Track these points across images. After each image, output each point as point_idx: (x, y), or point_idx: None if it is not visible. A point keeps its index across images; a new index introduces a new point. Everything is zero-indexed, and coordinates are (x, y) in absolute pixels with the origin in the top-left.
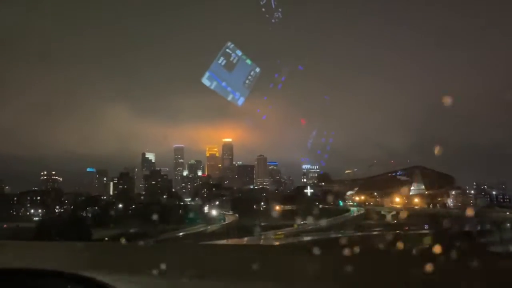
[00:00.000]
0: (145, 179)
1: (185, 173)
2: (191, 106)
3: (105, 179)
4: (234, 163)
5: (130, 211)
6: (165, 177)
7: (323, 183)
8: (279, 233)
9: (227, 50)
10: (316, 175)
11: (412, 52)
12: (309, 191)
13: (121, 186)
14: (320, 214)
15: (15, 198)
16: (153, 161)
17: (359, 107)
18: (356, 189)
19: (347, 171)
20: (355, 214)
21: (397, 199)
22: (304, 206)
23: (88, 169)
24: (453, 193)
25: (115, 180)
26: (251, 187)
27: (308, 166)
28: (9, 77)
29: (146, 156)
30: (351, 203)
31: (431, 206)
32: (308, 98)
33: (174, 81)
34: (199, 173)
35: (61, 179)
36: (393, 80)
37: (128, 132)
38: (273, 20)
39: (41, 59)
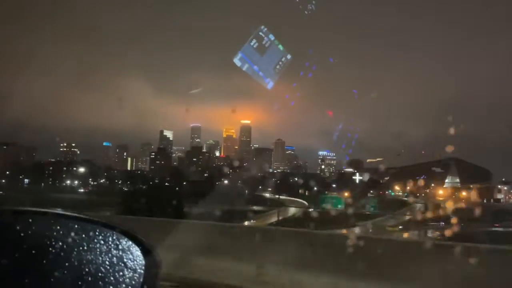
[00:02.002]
0: (186, 155)
1: None
2: (210, 86)
3: (125, 153)
4: (251, 145)
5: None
6: (206, 154)
7: (355, 170)
8: (390, 225)
9: (260, 33)
10: (333, 162)
11: (442, 43)
12: (357, 178)
13: (158, 162)
14: (384, 204)
15: (50, 168)
16: (170, 138)
17: (384, 97)
18: (386, 178)
19: (369, 160)
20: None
21: (440, 192)
22: (357, 194)
23: (104, 143)
24: (505, 188)
25: (152, 155)
26: (270, 170)
27: (324, 153)
28: (34, 51)
29: (164, 133)
30: (401, 193)
31: (485, 200)
32: (337, 90)
33: (196, 61)
34: (217, 153)
35: (78, 152)
36: (423, 72)
37: (146, 109)
38: (306, 12)
39: (67, 36)
